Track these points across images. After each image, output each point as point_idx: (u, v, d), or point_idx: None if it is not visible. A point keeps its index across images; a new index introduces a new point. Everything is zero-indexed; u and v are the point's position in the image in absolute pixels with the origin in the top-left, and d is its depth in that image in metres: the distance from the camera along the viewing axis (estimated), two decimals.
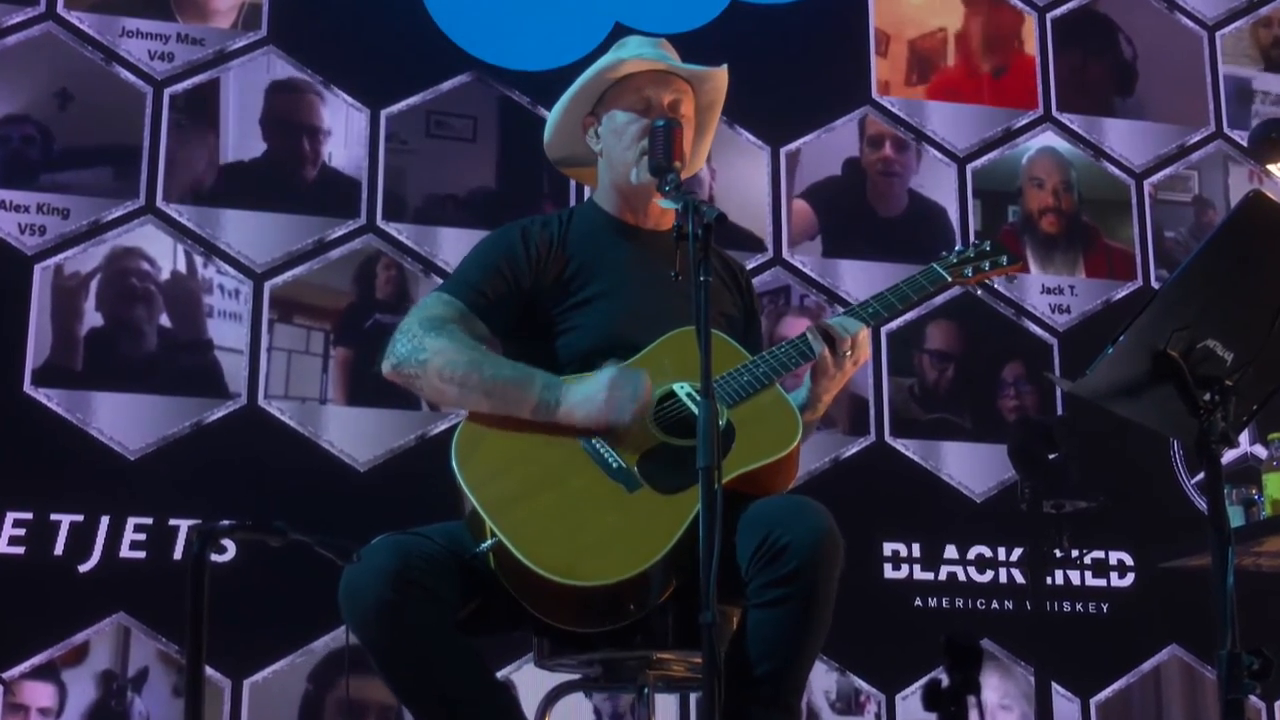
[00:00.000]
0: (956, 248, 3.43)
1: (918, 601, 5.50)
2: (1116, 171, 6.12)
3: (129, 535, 4.94)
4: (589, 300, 3.13)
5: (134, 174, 5.22)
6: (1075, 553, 5.15)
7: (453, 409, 3.03)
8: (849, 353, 3.07)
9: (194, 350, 5.17)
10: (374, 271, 5.35)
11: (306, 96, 5.46)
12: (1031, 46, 6.20)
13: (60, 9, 5.31)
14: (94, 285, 5.14)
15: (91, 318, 5.11)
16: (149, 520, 4.97)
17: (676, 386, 2.97)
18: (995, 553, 5.61)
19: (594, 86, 3.27)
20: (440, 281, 5.15)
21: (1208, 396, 2.71)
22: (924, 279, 3.28)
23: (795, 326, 5.49)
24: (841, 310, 3.24)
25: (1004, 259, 3.38)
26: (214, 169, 5.33)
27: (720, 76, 3.33)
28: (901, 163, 5.94)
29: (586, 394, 2.89)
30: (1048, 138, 6.09)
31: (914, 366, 5.74)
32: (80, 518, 4.93)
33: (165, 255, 5.20)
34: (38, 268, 5.10)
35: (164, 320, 5.17)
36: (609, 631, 2.83)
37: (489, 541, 2.77)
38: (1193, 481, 5.77)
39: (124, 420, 5.04)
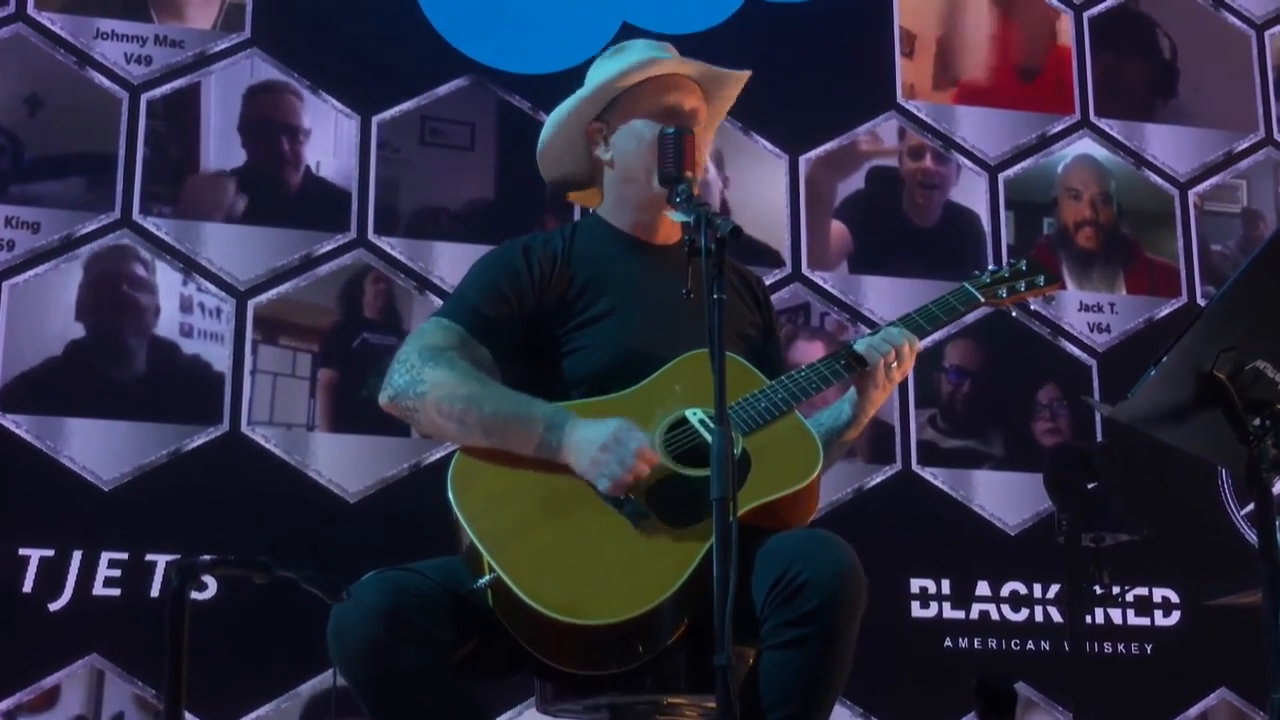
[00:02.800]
0: (990, 266, 3.43)
1: (948, 642, 5.49)
2: (1159, 181, 6.13)
3: (103, 571, 4.94)
4: (596, 319, 3.13)
5: (109, 185, 5.24)
6: (1116, 589, 5.14)
7: (452, 443, 3.02)
8: (895, 364, 3.09)
9: (172, 373, 5.17)
10: (362, 288, 5.35)
11: (284, 97, 5.47)
12: (1068, 47, 6.20)
13: (30, 9, 5.33)
14: (75, 292, 5.15)
15: (71, 328, 5.11)
16: (124, 555, 4.97)
17: (689, 413, 2.96)
18: (1031, 589, 5.60)
19: (604, 93, 3.26)
20: (435, 299, 5.18)
21: (1258, 421, 2.70)
22: (955, 299, 3.29)
23: (807, 350, 5.49)
24: (868, 331, 3.24)
25: (1041, 279, 3.39)
26: (194, 179, 5.34)
27: (740, 81, 3.35)
28: (942, 174, 5.94)
29: (585, 439, 2.88)
30: (1085, 145, 6.10)
31: (932, 388, 5.73)
32: (50, 552, 4.93)
33: (143, 272, 5.21)
34: (6, 285, 5.11)
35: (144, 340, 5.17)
36: (616, 674, 2.83)
37: (487, 577, 2.77)
38: (1242, 513, 5.76)
39: (97, 448, 5.04)
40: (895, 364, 3.11)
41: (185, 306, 5.22)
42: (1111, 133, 6.12)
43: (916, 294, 3.38)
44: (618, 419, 2.88)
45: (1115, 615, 5.62)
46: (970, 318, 5.50)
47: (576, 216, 5.27)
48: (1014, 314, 5.73)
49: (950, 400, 5.74)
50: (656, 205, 3.19)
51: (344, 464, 5.20)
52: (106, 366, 5.14)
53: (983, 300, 3.33)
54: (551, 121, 3.33)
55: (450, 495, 2.89)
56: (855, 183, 5.87)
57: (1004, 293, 3.36)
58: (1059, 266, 5.91)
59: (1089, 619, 5.40)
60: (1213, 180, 6.18)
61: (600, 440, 2.85)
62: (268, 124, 5.44)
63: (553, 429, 2.91)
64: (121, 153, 5.27)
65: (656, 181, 3.14)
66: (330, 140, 5.47)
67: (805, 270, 5.70)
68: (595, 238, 3.26)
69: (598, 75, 3.29)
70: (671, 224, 3.19)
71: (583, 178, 3.37)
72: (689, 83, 3.26)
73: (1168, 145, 6.17)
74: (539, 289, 3.14)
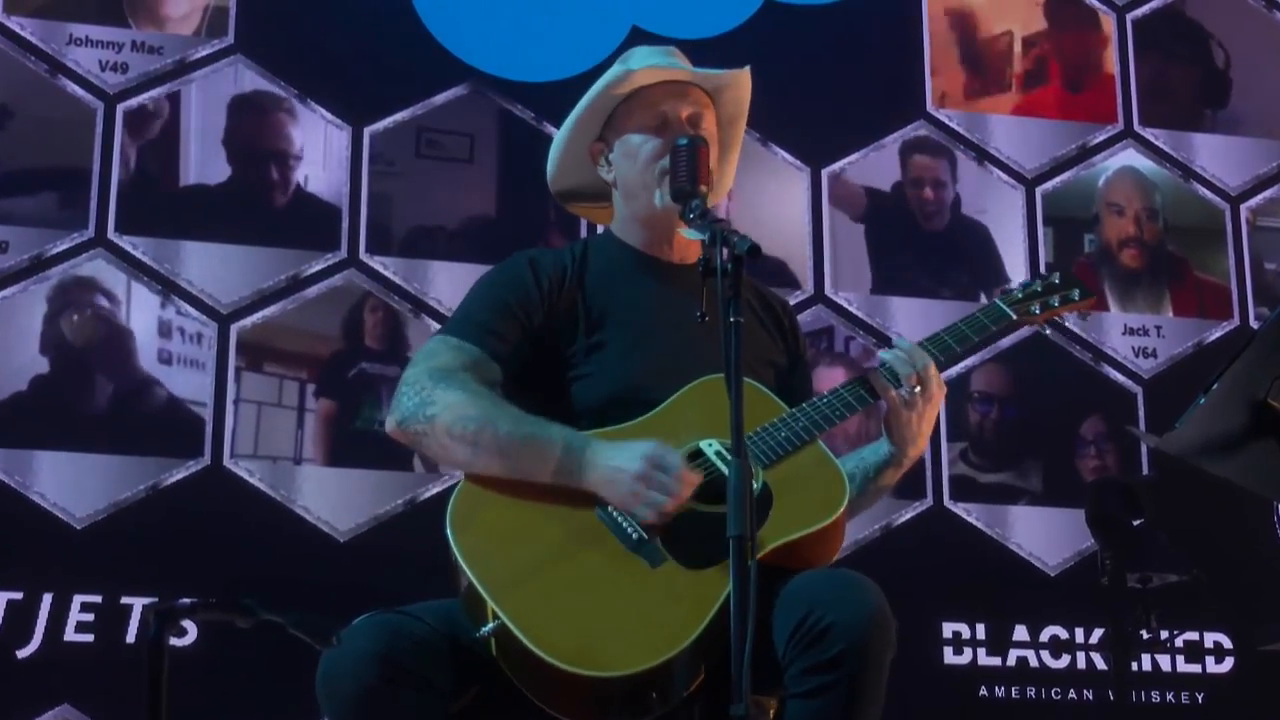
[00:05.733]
0: (1021, 280, 3.43)
1: (983, 690, 5.48)
2: (1208, 194, 6.12)
3: (75, 615, 4.94)
4: (604, 343, 3.13)
5: (82, 201, 5.25)
6: (1165, 634, 5.13)
7: (463, 470, 3.00)
8: (917, 390, 3.06)
9: (150, 403, 5.18)
10: (361, 314, 5.35)
11: (274, 116, 5.47)
12: (1110, 52, 6.21)
13: None
14: (40, 323, 5.16)
15: (35, 362, 5.12)
16: (98, 598, 4.97)
17: (704, 444, 2.96)
18: (1072, 634, 5.59)
19: (600, 107, 3.27)
20: (431, 323, 5.19)
21: None
22: (986, 317, 3.28)
23: (829, 378, 5.48)
24: None
25: (1076, 293, 3.39)
26: (173, 195, 5.35)
27: (743, 82, 3.34)
28: (939, 200, 5.93)
29: (616, 467, 2.87)
30: (1128, 156, 6.10)
31: (962, 419, 5.72)
32: (19, 595, 4.93)
33: (119, 293, 5.22)
34: None
35: (119, 367, 5.18)
36: None
37: (490, 625, 2.76)
38: None
39: (69, 483, 5.04)
40: (919, 390, 3.07)
41: (164, 331, 5.23)
42: (1157, 143, 6.12)
43: (949, 316, 3.36)
44: (646, 441, 2.88)
45: (1164, 661, 5.61)
46: (1005, 342, 5.52)
47: (584, 234, 5.29)
48: (1047, 332, 5.72)
49: (979, 430, 5.73)
50: (662, 222, 3.21)
51: (334, 500, 5.20)
52: (78, 396, 5.14)
53: (1015, 317, 3.31)
54: (555, 146, 3.36)
55: (449, 534, 2.88)
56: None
57: (1037, 308, 3.35)
58: (1101, 286, 5.91)
59: (1135, 665, 5.39)
60: (1266, 193, 6.17)
61: (635, 468, 2.84)
62: (255, 148, 5.45)
63: (572, 450, 2.90)
64: (96, 166, 5.28)
65: (657, 198, 3.16)
66: (320, 153, 5.48)
67: (828, 291, 5.70)
68: (606, 256, 3.27)
69: (594, 89, 3.31)
70: (688, 242, 3.19)
71: (596, 192, 3.39)
72: (686, 88, 3.26)
73: (1217, 156, 6.17)
74: (547, 306, 3.15)
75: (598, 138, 3.31)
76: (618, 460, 2.87)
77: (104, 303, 5.20)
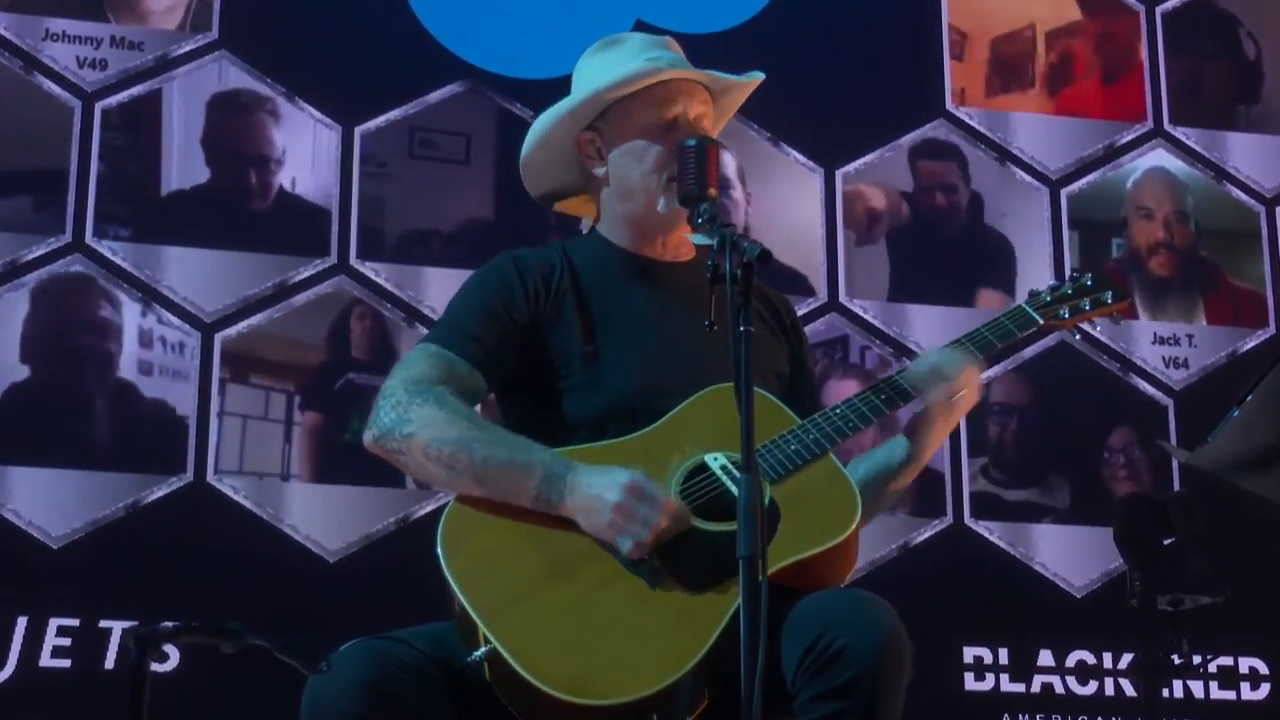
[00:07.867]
0: (1049, 283, 3.43)
1: (1006, 718, 5.47)
2: (1242, 196, 6.12)
3: (51, 639, 4.94)
4: (599, 350, 3.12)
5: (59, 204, 5.25)
6: (1197, 659, 5.12)
7: (443, 490, 3.01)
8: (960, 395, 3.10)
9: (130, 416, 5.17)
10: (348, 322, 5.35)
11: (256, 117, 5.46)
12: (1139, 47, 6.20)
13: None
14: (21, 325, 5.16)
15: (12, 372, 5.12)
16: (75, 622, 4.97)
17: (709, 458, 2.96)
18: (1100, 659, 5.58)
19: (594, 104, 3.26)
20: (425, 332, 5.18)
21: None
22: (1010, 322, 3.28)
23: (841, 390, 5.47)
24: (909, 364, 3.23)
25: (1108, 296, 3.39)
26: (155, 198, 5.35)
27: (751, 88, 3.35)
28: (953, 205, 5.92)
29: (594, 494, 2.86)
30: (1158, 156, 6.09)
31: (983, 433, 5.71)
32: None
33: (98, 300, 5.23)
34: None
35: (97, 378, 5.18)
36: None
37: (482, 649, 2.76)
38: None
39: (45, 501, 5.04)
40: (960, 393, 3.11)
41: (144, 341, 5.22)
42: (1188, 142, 6.12)
43: (971, 325, 3.35)
44: (629, 470, 2.87)
45: (1196, 688, 5.60)
46: (1027, 351, 5.51)
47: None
48: (1076, 338, 5.72)
49: (999, 443, 5.72)
50: (663, 223, 3.20)
51: (323, 518, 5.20)
52: (55, 409, 5.14)
53: (1041, 322, 3.32)
54: (535, 132, 3.33)
55: (440, 554, 2.88)
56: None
57: (1066, 312, 3.36)
58: (1130, 293, 5.89)
59: (1166, 692, 5.38)
60: None
61: (615, 497, 2.83)
62: (233, 150, 5.44)
63: (550, 479, 2.89)
64: (73, 168, 5.28)
65: (661, 204, 3.15)
66: (308, 154, 5.48)
67: (843, 298, 5.69)
68: (595, 257, 3.25)
69: (587, 76, 3.30)
70: (680, 239, 3.19)
71: (573, 188, 3.37)
72: (690, 86, 3.25)
73: (1251, 156, 6.16)
74: (534, 307, 3.13)
75: (587, 127, 3.30)
76: (596, 488, 2.86)
77: (92, 304, 5.20)
